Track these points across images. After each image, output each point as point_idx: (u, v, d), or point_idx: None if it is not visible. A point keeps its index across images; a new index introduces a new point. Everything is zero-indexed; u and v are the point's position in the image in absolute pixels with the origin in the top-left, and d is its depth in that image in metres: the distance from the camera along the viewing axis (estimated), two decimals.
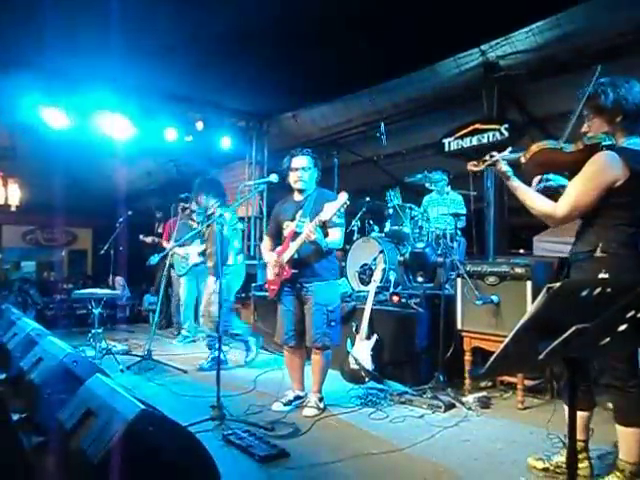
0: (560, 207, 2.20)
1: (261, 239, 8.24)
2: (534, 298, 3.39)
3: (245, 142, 8.86)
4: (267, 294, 3.73)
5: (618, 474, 2.21)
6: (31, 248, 14.81)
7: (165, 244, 6.03)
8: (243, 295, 6.35)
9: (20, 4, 4.86)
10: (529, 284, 3.44)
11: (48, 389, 2.75)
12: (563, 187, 2.34)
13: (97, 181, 12.82)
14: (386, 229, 5.25)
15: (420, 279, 4.85)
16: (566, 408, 2.33)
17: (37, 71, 6.66)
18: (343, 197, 3.16)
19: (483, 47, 5.94)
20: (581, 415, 2.30)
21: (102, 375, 2.41)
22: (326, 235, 3.34)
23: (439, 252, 4.84)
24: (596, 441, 2.46)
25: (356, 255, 5.14)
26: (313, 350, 3.45)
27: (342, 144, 8.18)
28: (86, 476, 1.80)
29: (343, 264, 5.33)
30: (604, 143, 2.20)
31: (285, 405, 3.49)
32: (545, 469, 2.46)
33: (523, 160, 2.32)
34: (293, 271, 3.37)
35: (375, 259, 4.81)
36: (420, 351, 4.05)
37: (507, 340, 1.19)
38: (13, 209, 9.83)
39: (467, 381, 3.82)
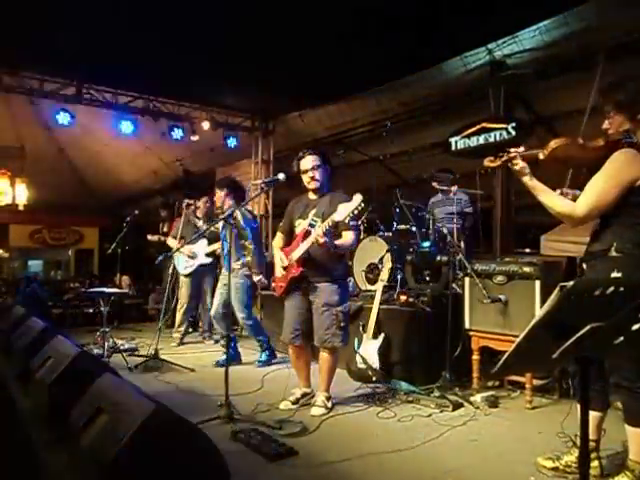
0: (580, 206, 2.16)
1: (267, 237, 8.27)
2: (542, 297, 3.38)
3: (251, 141, 8.89)
4: (274, 292, 3.73)
5: (628, 474, 2.20)
6: (38, 247, 14.92)
7: (171, 242, 6.04)
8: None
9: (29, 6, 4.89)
10: (537, 283, 3.43)
11: (58, 387, 2.77)
12: None
13: (103, 181, 12.89)
14: (393, 228, 5.25)
15: (426, 278, 4.86)
16: (578, 406, 2.34)
17: (47, 72, 6.71)
18: (357, 199, 3.11)
19: (490, 46, 5.92)
20: (594, 415, 2.28)
21: (112, 373, 2.43)
22: (339, 237, 3.34)
23: (446, 251, 4.84)
24: (606, 441, 2.45)
25: (363, 254, 5.14)
26: (321, 350, 3.45)
27: (348, 143, 8.19)
28: (98, 474, 1.81)
29: (350, 263, 5.33)
30: (625, 140, 2.16)
31: (293, 404, 3.50)
32: (554, 468, 2.45)
33: (542, 156, 2.28)
34: (302, 270, 3.37)
35: (382, 258, 4.81)
36: (427, 350, 4.05)
37: (520, 339, 1.19)
38: (21, 208, 9.88)
39: (475, 380, 3.81)
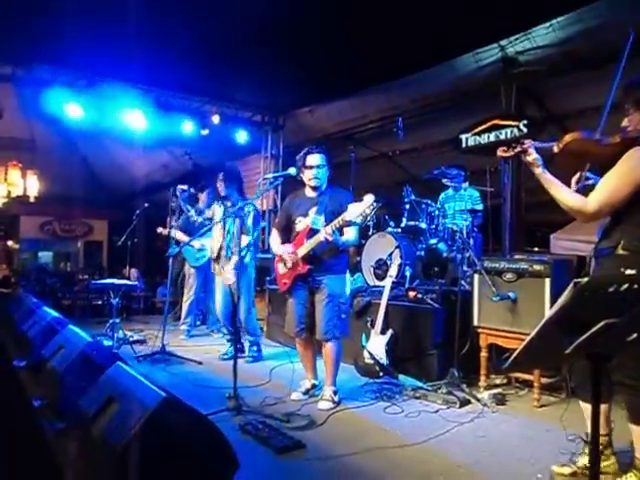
0: (591, 202, 2.15)
1: None
2: (552, 296, 3.37)
3: (261, 136, 8.90)
4: (278, 288, 3.75)
5: (636, 472, 2.19)
6: (48, 239, 15.05)
7: (179, 236, 6.06)
8: (258, 289, 6.39)
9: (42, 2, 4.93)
10: (547, 281, 3.42)
11: (69, 377, 2.80)
12: None
13: (113, 174, 12.96)
14: (402, 224, 5.24)
15: (434, 275, 4.85)
16: (582, 404, 2.33)
17: (58, 66, 6.75)
18: (369, 199, 3.13)
19: (502, 42, 5.88)
20: (604, 407, 2.27)
21: (122, 364, 2.45)
22: (341, 233, 3.36)
23: (455, 248, 4.84)
24: (617, 439, 2.44)
25: (372, 250, 5.14)
26: (324, 343, 3.47)
27: (358, 139, 8.17)
28: (109, 463, 1.83)
29: (358, 259, 5.34)
30: None
31: (303, 394, 3.57)
32: (573, 473, 2.39)
33: (556, 150, 2.26)
34: (309, 267, 3.40)
35: (391, 254, 4.81)
36: (435, 347, 4.05)
37: (532, 334, 1.19)
38: (32, 200, 9.95)
39: (482, 378, 3.81)
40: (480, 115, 6.50)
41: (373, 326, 4.06)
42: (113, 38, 5.57)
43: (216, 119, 7.93)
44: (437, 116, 7.36)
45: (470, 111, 6.80)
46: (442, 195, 5.86)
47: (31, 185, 9.88)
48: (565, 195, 2.22)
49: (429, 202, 5.29)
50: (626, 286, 1.16)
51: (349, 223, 3.23)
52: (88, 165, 12.78)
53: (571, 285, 1.13)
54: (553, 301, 3.27)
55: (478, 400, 3.51)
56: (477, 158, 6.47)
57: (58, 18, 5.27)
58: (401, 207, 5.26)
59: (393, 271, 4.33)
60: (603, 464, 2.31)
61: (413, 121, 7.15)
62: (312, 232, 3.41)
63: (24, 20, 5.36)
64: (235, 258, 4.32)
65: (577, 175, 2.36)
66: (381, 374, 3.86)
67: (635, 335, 1.15)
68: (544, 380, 3.59)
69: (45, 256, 15.47)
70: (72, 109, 7.02)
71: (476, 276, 3.89)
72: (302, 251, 3.42)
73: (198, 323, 6.45)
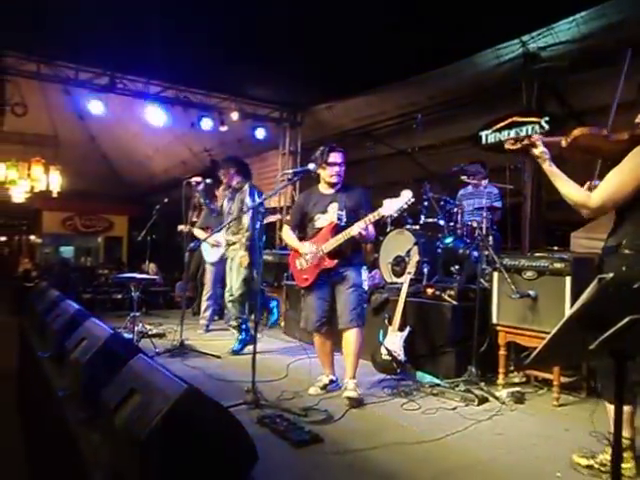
0: (594, 197, 2.17)
1: None
2: (573, 294, 3.33)
3: (279, 132, 8.93)
4: (297, 284, 3.76)
5: None
6: (70, 234, 15.31)
7: (197, 233, 6.13)
8: (276, 284, 6.43)
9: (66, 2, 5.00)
10: (568, 280, 3.38)
11: (91, 368, 2.85)
12: None
13: (133, 170, 13.13)
14: (420, 221, 5.22)
15: (453, 272, 4.83)
16: (607, 405, 2.31)
17: (81, 63, 6.86)
18: (407, 195, 3.21)
19: (524, 38, 5.80)
20: (628, 410, 2.26)
21: (144, 356, 2.49)
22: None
23: (472, 245, 4.81)
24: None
25: (389, 247, 5.13)
26: (346, 332, 3.49)
27: (376, 136, 8.15)
28: (131, 452, 1.87)
29: (376, 255, 5.33)
30: None
31: (321, 389, 3.60)
32: (589, 466, 2.41)
33: (564, 144, 2.28)
34: (336, 261, 3.44)
35: (409, 251, 4.79)
36: (453, 344, 4.03)
37: (555, 330, 1.19)
38: (54, 195, 10.13)
39: (501, 376, 3.79)
40: (500, 112, 6.43)
41: (391, 322, 4.06)
42: (134, 36, 5.64)
43: (235, 116, 7.99)
44: (456, 113, 7.30)
45: (490, 108, 6.72)
46: (461, 192, 5.82)
47: (54, 181, 10.07)
48: (570, 189, 2.25)
49: (447, 199, 5.26)
50: None
51: (384, 218, 3.28)
52: (108, 161, 12.97)
53: (595, 281, 1.12)
54: (574, 299, 3.24)
55: (496, 398, 3.49)
56: (497, 155, 6.40)
57: (81, 17, 5.35)
58: (419, 204, 5.25)
59: (411, 268, 4.32)
60: (622, 466, 2.29)
61: (432, 118, 7.11)
62: (338, 228, 3.45)
63: (48, 19, 5.45)
64: (240, 238, 4.56)
65: (587, 184, 2.37)
66: (398, 371, 3.86)
67: None
68: (563, 379, 3.56)
69: (66, 251, 15.74)
70: (94, 106, 7.13)
71: (495, 274, 3.86)
72: (329, 246, 3.45)
73: (216, 318, 6.51)
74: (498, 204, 5.53)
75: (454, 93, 7.00)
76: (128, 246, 15.40)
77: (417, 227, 5.17)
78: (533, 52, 5.99)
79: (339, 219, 3.49)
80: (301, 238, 3.69)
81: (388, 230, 5.37)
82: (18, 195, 10.58)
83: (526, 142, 2.35)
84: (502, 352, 3.77)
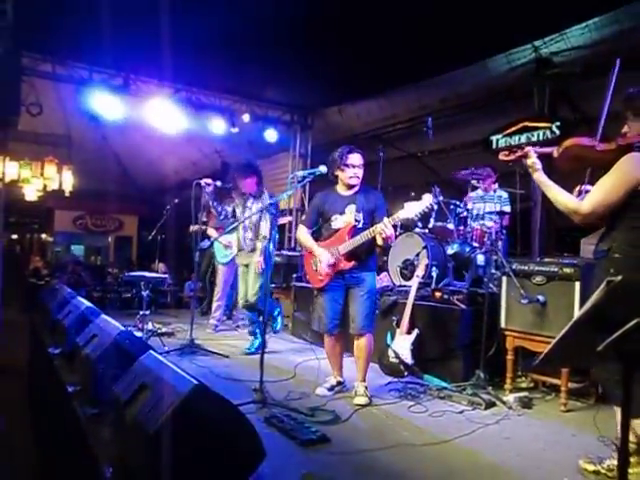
0: (585, 204, 2.26)
1: None
2: (582, 299, 3.32)
3: (289, 135, 8.97)
4: (311, 284, 3.76)
5: None
6: (80, 233, 15.45)
7: (211, 232, 6.18)
8: (284, 285, 6.45)
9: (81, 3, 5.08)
10: (577, 285, 3.37)
11: (102, 364, 2.89)
12: None
13: (144, 170, 13.22)
14: (430, 225, 5.23)
15: (462, 276, 4.83)
16: (615, 409, 2.30)
17: (95, 64, 6.94)
18: (428, 198, 3.21)
19: (536, 43, 5.80)
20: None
21: (154, 352, 2.52)
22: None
23: (480, 250, 4.81)
24: None
25: (398, 250, 5.14)
26: (357, 337, 3.50)
27: (386, 139, 8.16)
28: (142, 446, 1.90)
29: (385, 259, 5.34)
30: (637, 145, 2.23)
31: (329, 390, 3.61)
32: (596, 472, 2.42)
33: (555, 154, 2.38)
34: (352, 263, 3.44)
35: (418, 255, 4.80)
36: (461, 348, 4.03)
37: (564, 331, 1.20)
38: (67, 194, 10.23)
39: (508, 380, 3.78)
40: (512, 116, 6.42)
41: (399, 325, 4.07)
42: (147, 38, 5.68)
43: (246, 118, 8.03)
44: (467, 117, 7.30)
45: (501, 112, 6.72)
46: (471, 194, 5.82)
47: (66, 180, 10.16)
48: (561, 196, 2.35)
49: (457, 203, 5.26)
50: None
51: (405, 220, 3.28)
52: (120, 161, 13.07)
53: (604, 283, 1.13)
54: (583, 305, 3.23)
55: (504, 403, 3.48)
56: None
57: (95, 18, 5.41)
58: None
59: (420, 271, 4.32)
60: (629, 471, 2.28)
61: (443, 121, 7.11)
62: (355, 230, 3.45)
63: (64, 20, 5.53)
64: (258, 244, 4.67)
65: (577, 188, 2.50)
66: (406, 373, 3.87)
67: None
68: (571, 385, 3.54)
69: (77, 249, 15.88)
70: (107, 106, 7.20)
71: (504, 278, 3.85)
72: (346, 248, 3.44)
73: (225, 318, 6.55)
74: (507, 209, 5.52)
75: (466, 97, 7.00)
76: (138, 246, 15.49)
77: (426, 230, 5.17)
78: (545, 57, 5.99)
79: (356, 221, 3.48)
80: (316, 238, 3.67)
81: (397, 233, 5.38)
82: (31, 194, 10.69)
83: (519, 153, 2.46)
84: (510, 357, 3.76)
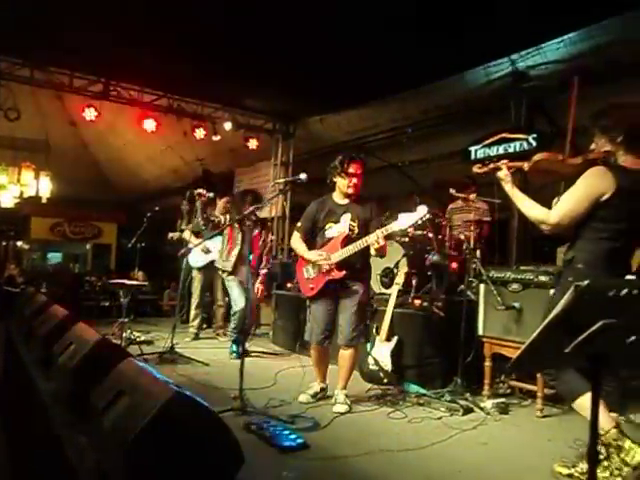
0: (552, 214, 2.35)
1: (283, 240, 8.34)
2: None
3: (271, 143, 9.00)
4: (303, 293, 3.75)
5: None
6: (58, 240, 15.19)
7: (187, 235, 6.16)
8: (265, 294, 6.45)
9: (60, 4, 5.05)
10: (552, 292, 3.43)
11: (79, 372, 2.85)
12: None
13: (124, 177, 13.11)
14: (409, 234, 5.27)
15: (435, 284, 4.89)
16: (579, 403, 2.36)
17: (75, 70, 6.89)
18: (423, 210, 3.23)
19: (513, 57, 5.93)
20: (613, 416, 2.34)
21: (133, 359, 2.50)
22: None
23: (462, 259, 4.88)
24: None
25: (379, 258, 5.17)
26: (345, 348, 3.51)
27: (367, 149, 8.22)
28: (120, 452, 1.88)
29: None
30: (602, 160, 2.34)
31: (312, 397, 3.60)
32: (570, 475, 2.48)
33: (526, 168, 2.48)
34: (344, 272, 3.42)
35: (398, 263, 4.85)
36: (439, 355, 4.08)
37: (534, 335, 1.24)
38: (44, 201, 10.08)
39: (486, 387, 3.83)
40: (490, 128, 6.54)
41: (378, 333, 4.11)
42: (128, 44, 5.69)
43: (228, 126, 8.04)
44: (447, 128, 7.41)
45: (480, 124, 6.84)
46: (451, 205, 5.90)
47: (43, 186, 10.00)
48: (531, 208, 2.45)
49: (437, 212, 5.33)
50: (625, 291, 1.20)
51: (398, 232, 3.30)
52: (99, 168, 12.95)
53: (572, 288, 1.18)
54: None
55: (481, 409, 3.53)
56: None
57: (75, 24, 5.40)
58: None
59: (399, 279, 4.37)
60: (602, 475, 2.34)
61: (424, 132, 7.22)
62: (349, 239, 3.43)
63: (43, 25, 5.49)
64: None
65: (555, 200, 2.54)
66: (385, 380, 3.90)
67: (634, 337, 1.19)
68: (547, 391, 3.61)
69: (54, 257, 15.62)
70: (86, 112, 7.15)
71: (482, 286, 3.92)
72: (338, 256, 3.42)
73: (204, 326, 6.51)
74: (487, 218, 5.61)
75: (446, 108, 7.11)
76: (117, 254, 15.30)
77: (406, 239, 5.23)
78: (522, 71, 6.12)
79: (351, 230, 3.47)
80: (311, 247, 3.63)
81: None
82: (7, 200, 10.50)
83: (492, 166, 2.55)
84: (487, 363, 3.82)
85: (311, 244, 3.63)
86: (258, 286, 5.54)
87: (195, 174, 11.15)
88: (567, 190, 2.39)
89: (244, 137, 8.38)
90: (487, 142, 6.51)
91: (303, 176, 3.60)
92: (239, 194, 5.45)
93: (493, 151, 6.43)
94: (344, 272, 3.42)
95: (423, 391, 3.82)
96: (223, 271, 5.36)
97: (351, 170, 3.50)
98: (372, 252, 3.37)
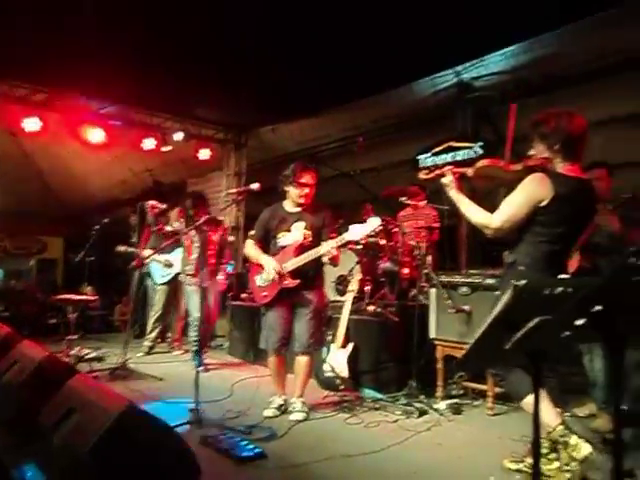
0: (494, 219, 2.44)
1: (238, 250, 8.27)
2: None
3: (223, 153, 8.94)
4: (256, 302, 3.72)
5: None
6: None
7: (147, 254, 6.03)
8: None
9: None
10: (497, 294, 3.58)
11: (24, 391, 2.75)
12: None
13: (70, 189, 12.67)
14: (362, 241, 5.36)
15: (390, 290, 4.99)
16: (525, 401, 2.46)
17: (17, 79, 6.65)
18: (376, 222, 3.29)
19: (458, 68, 6.15)
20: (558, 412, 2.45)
21: (83, 376, 2.44)
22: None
23: (414, 264, 4.99)
24: None
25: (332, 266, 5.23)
26: (301, 355, 3.52)
27: (319, 158, 8.31)
28: (73, 470, 1.83)
29: None
30: (540, 166, 2.46)
31: (278, 410, 3.54)
32: (519, 470, 2.58)
33: (470, 173, 2.58)
34: (297, 281, 3.42)
35: (352, 270, 4.92)
36: (394, 359, 4.15)
37: (478, 333, 1.30)
38: None
39: (439, 388, 3.93)
40: (438, 137, 6.75)
41: (334, 340, 4.14)
42: (73, 52, 5.54)
43: (178, 136, 7.93)
44: (397, 137, 7.59)
45: (428, 133, 7.05)
46: (402, 212, 6.03)
47: None
48: (474, 212, 2.53)
49: (389, 219, 5.44)
50: (560, 289, 1.28)
51: (351, 242, 3.32)
52: (44, 180, 12.47)
53: (511, 288, 1.24)
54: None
55: (435, 410, 3.62)
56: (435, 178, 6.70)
57: (17, 32, 5.23)
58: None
59: (353, 286, 4.43)
60: (547, 467, 2.45)
61: (374, 141, 7.37)
62: (302, 248, 3.44)
63: None
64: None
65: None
66: (342, 387, 3.93)
67: (568, 333, 1.27)
68: (497, 390, 3.73)
69: None
70: (30, 122, 6.90)
71: (433, 290, 4.03)
72: (292, 265, 3.42)
73: (159, 340, 6.37)
74: (436, 224, 5.76)
75: (395, 118, 7.30)
76: (64, 268, 14.73)
77: (359, 247, 5.30)
78: (466, 82, 6.37)
79: (304, 238, 3.47)
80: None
81: None
82: None
83: (438, 172, 2.63)
84: (440, 366, 3.91)
85: (265, 253, 3.61)
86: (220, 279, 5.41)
87: (145, 185, 10.92)
88: (508, 195, 2.49)
89: (195, 147, 8.29)
90: (435, 150, 6.73)
91: (255, 186, 3.61)
92: (189, 201, 5.36)
93: (441, 159, 6.64)
94: (298, 281, 3.42)
95: (379, 395, 3.88)
96: (186, 276, 5.27)
97: (303, 180, 3.50)
98: (325, 260, 3.40)
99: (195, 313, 5.10)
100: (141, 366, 4.90)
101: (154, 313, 6.10)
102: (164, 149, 7.98)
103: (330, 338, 4.17)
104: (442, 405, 3.66)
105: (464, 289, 3.83)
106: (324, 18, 4.80)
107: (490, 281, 3.69)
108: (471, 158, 6.28)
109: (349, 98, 6.70)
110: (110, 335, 7.46)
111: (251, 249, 3.66)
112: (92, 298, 6.00)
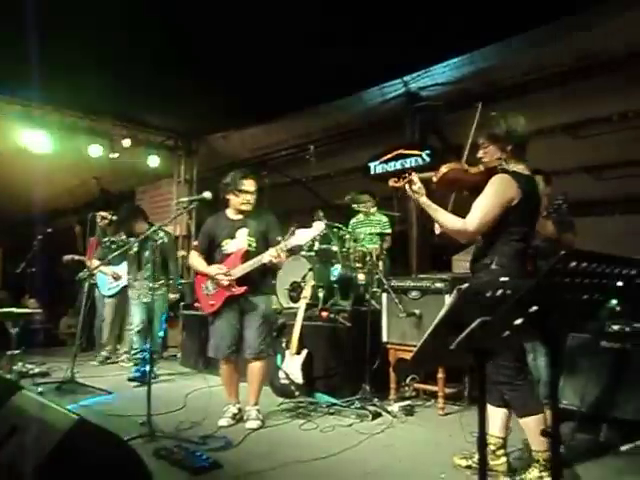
0: (470, 222, 2.45)
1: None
2: None
3: (173, 161, 8.80)
4: (204, 310, 3.69)
5: (536, 465, 2.43)
6: None
7: (89, 262, 5.85)
8: (172, 314, 6.27)
9: None
10: (447, 298, 3.71)
11: None
12: None
13: (11, 198, 12.12)
14: (315, 248, 5.41)
15: (343, 296, 5.05)
16: (489, 408, 2.56)
17: None
18: (320, 227, 3.32)
19: (406, 78, 6.33)
20: (504, 412, 2.55)
21: (28, 392, 2.35)
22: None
23: (365, 270, 5.07)
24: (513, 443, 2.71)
25: (286, 273, 5.24)
26: (252, 361, 3.51)
27: (271, 165, 8.33)
28: None
29: (273, 282, 5.41)
30: (500, 167, 2.53)
31: (233, 419, 3.52)
32: (468, 466, 2.68)
33: (434, 179, 2.62)
34: (246, 287, 3.41)
35: (305, 277, 4.94)
36: (348, 364, 4.20)
37: (426, 335, 1.36)
38: None
39: (392, 391, 4.01)
40: (388, 144, 6.92)
41: (288, 347, 4.15)
42: (13, 55, 5.33)
43: (126, 143, 7.75)
44: (348, 144, 7.72)
45: (378, 140, 7.20)
46: (353, 219, 6.13)
47: None
48: (446, 218, 2.54)
49: (340, 226, 5.52)
50: (501, 291, 1.36)
51: (297, 247, 3.33)
52: None
53: (455, 290, 1.31)
54: None
55: (389, 412, 3.69)
56: (385, 185, 6.82)
57: None
58: None
59: (307, 293, 4.45)
60: (494, 463, 2.56)
61: (326, 149, 7.46)
62: (248, 254, 3.44)
63: None
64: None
65: None
66: (297, 393, 3.94)
67: (508, 332, 1.35)
68: (447, 390, 3.86)
69: None
70: None
71: (384, 295, 4.12)
72: (238, 272, 3.41)
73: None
74: (388, 230, 5.89)
75: (346, 126, 7.43)
76: (2, 281, 14.05)
77: (312, 253, 5.35)
78: (414, 91, 6.56)
79: (249, 245, 3.49)
80: (210, 264, 3.57)
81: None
82: None
83: (407, 179, 2.64)
84: (392, 369, 4.00)
85: (210, 262, 3.59)
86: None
87: (92, 194, 10.60)
88: (465, 198, 2.54)
89: (145, 154, 8.12)
90: (385, 158, 6.88)
91: (207, 194, 3.58)
92: (127, 214, 5.26)
93: (391, 166, 6.81)
94: (245, 288, 3.43)
95: (334, 400, 3.92)
96: (131, 287, 5.17)
97: (244, 187, 3.53)
98: (266, 261, 3.36)
99: (136, 325, 5.03)
100: (90, 380, 4.74)
101: (106, 324, 5.97)
102: (112, 156, 7.77)
103: (284, 345, 4.18)
104: (395, 407, 3.74)
105: (414, 293, 3.93)
106: (275, 26, 4.82)
107: (439, 285, 3.82)
108: (420, 165, 6.46)
109: (301, 106, 6.75)
110: (55, 349, 7.16)
111: (195, 260, 3.65)
112: (33, 311, 5.75)
